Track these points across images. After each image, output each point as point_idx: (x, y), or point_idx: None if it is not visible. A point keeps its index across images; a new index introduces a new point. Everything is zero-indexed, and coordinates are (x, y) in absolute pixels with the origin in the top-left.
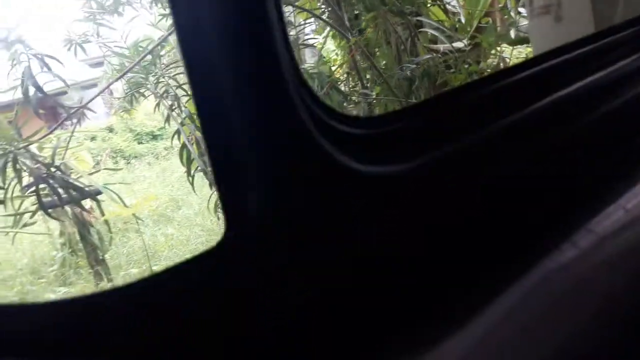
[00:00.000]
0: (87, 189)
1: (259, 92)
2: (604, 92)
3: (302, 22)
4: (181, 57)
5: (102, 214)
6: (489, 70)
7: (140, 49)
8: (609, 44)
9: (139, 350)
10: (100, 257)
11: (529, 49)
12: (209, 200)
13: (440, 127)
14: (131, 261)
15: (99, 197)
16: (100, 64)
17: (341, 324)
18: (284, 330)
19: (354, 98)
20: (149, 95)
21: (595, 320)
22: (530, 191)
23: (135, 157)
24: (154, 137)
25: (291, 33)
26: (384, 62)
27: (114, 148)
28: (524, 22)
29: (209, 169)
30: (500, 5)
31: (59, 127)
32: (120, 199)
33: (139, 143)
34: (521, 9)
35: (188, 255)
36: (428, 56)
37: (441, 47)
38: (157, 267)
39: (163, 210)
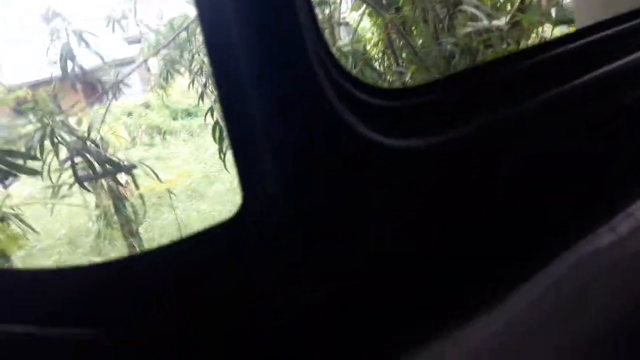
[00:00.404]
0: (122, 163)
1: (280, 68)
2: None
3: None
4: (202, 35)
5: (137, 187)
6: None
7: (176, 26)
8: None
9: (164, 314)
10: (135, 230)
11: (573, 29)
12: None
13: (472, 100)
14: (164, 234)
15: (134, 171)
16: (138, 41)
17: (354, 317)
18: (294, 313)
19: (388, 77)
20: (184, 73)
21: (631, 304)
22: (564, 172)
23: (171, 133)
24: (189, 115)
25: (326, 11)
26: (420, 40)
27: (150, 124)
28: (568, 1)
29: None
30: None
31: (97, 102)
32: (155, 174)
33: (174, 120)
34: None
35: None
36: (467, 30)
37: (480, 25)
38: None
39: (196, 186)
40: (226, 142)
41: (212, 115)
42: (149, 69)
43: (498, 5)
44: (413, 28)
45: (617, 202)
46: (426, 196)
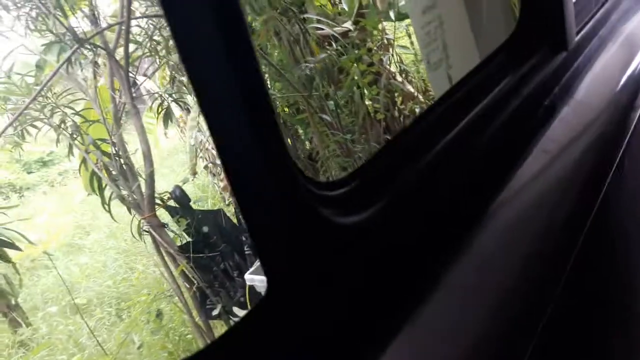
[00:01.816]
0: None
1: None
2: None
3: None
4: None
5: (7, 260)
6: (376, 50)
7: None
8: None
9: None
10: (13, 303)
11: (409, 22)
12: (131, 224)
13: (383, 180)
14: (48, 299)
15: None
16: None
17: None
18: None
19: None
20: (42, 127)
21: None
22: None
23: (28, 188)
24: (44, 164)
25: None
26: (279, 60)
27: (1, 183)
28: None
29: (127, 194)
30: None
31: None
32: (25, 237)
33: (28, 173)
34: None
35: (109, 282)
36: (323, 55)
37: (329, 32)
38: (79, 300)
39: (71, 239)
40: (108, 192)
41: (85, 166)
42: None
43: (340, 12)
44: (270, 49)
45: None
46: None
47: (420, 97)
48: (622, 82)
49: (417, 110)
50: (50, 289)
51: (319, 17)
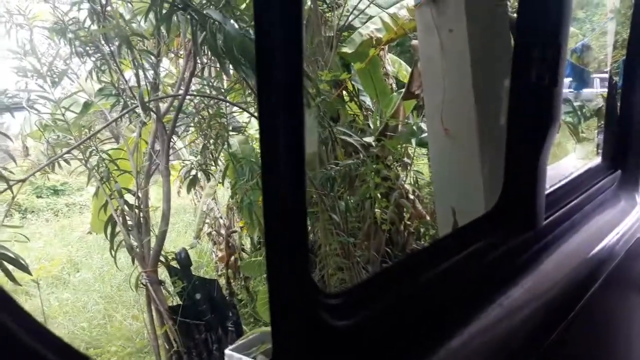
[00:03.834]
0: None
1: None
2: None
3: None
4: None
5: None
6: (394, 166)
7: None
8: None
9: None
10: None
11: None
12: (130, 275)
13: (373, 296)
14: None
15: None
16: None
17: None
18: None
19: None
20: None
21: None
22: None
23: (32, 211)
24: (56, 192)
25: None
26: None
27: (7, 199)
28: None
29: (136, 245)
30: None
31: None
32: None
33: (37, 197)
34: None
35: (84, 324)
36: (349, 161)
37: (354, 141)
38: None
39: (59, 272)
40: (119, 237)
41: (105, 210)
42: (27, 150)
43: (370, 123)
44: None
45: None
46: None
47: (428, 217)
48: (582, 264)
49: (422, 230)
50: None
51: (346, 131)
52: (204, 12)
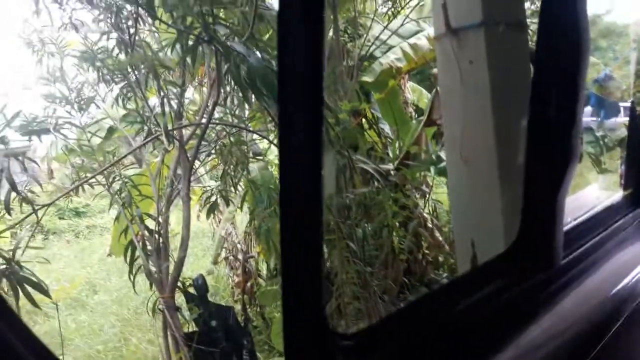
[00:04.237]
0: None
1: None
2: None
3: None
4: None
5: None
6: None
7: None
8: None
9: None
10: None
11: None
12: (148, 300)
13: (387, 338)
14: None
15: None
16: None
17: None
18: None
19: None
20: (96, 186)
21: None
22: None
23: (55, 233)
24: (77, 214)
25: None
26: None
27: (32, 220)
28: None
29: (155, 270)
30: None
31: None
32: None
33: (60, 218)
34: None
35: (100, 347)
36: (365, 189)
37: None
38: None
39: (78, 294)
40: (138, 262)
41: (125, 235)
42: (52, 173)
43: (389, 151)
44: None
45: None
46: None
47: (447, 246)
48: (603, 303)
49: (441, 259)
50: (42, 337)
51: (365, 160)
52: (228, 44)
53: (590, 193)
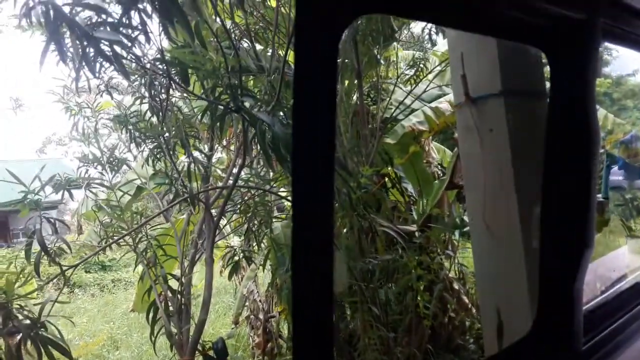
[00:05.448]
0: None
1: None
2: None
3: None
4: None
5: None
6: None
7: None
8: None
9: None
10: None
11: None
12: None
13: None
14: None
15: None
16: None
17: None
18: None
19: None
20: (124, 246)
21: None
22: None
23: (80, 286)
24: (103, 268)
25: None
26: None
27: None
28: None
29: (176, 332)
30: (446, 209)
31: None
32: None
33: (86, 272)
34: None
35: None
36: (389, 257)
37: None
38: None
39: (100, 349)
40: (159, 324)
41: (148, 295)
42: (80, 228)
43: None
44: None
45: None
46: None
47: (473, 309)
48: None
49: (467, 323)
50: None
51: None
52: (255, 113)
53: (620, 257)
